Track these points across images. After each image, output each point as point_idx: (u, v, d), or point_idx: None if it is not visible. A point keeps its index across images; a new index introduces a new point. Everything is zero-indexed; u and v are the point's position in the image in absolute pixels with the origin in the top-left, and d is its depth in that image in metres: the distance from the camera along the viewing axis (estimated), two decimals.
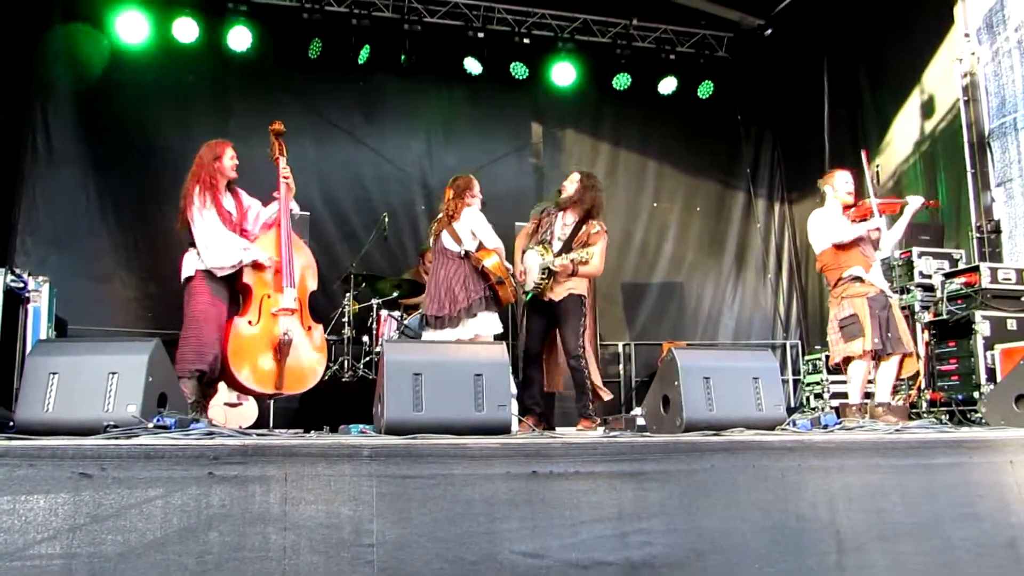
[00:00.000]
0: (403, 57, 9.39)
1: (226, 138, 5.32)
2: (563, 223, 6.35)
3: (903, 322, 5.82)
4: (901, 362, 5.78)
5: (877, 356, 5.73)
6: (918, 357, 6.61)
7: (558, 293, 6.17)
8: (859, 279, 5.75)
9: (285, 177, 5.41)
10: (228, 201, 5.18)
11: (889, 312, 5.71)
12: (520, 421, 5.80)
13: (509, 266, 6.15)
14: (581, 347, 6.13)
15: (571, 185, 6.39)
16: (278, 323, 5.10)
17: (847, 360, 5.83)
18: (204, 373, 4.84)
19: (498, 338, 5.96)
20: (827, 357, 8.30)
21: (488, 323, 5.95)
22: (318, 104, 9.53)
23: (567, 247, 6.18)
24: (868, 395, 6.01)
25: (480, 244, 6.01)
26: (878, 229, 5.88)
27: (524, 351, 6.43)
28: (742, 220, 10.79)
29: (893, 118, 8.80)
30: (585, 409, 6.18)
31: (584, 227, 6.23)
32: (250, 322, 5.04)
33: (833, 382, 8.29)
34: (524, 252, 6.39)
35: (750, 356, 4.40)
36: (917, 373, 6.52)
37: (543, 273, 6.14)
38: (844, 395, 7.65)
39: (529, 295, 6.37)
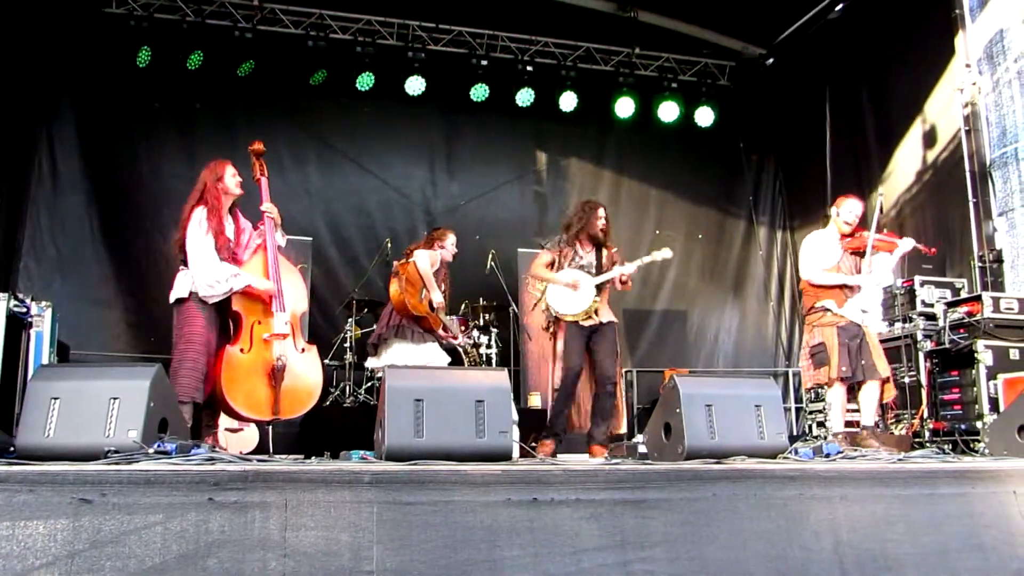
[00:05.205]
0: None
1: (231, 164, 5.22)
2: (584, 251, 6.35)
3: (878, 348, 5.87)
4: (882, 387, 5.83)
5: (852, 384, 5.81)
6: (919, 385, 6.65)
7: (604, 315, 6.17)
8: (829, 310, 5.85)
9: (268, 215, 5.27)
10: (229, 226, 5.10)
11: (861, 341, 5.79)
12: (535, 446, 5.79)
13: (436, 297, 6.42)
14: (618, 374, 6.20)
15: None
16: (271, 349, 5.01)
17: (818, 387, 5.91)
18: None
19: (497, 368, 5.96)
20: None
21: (411, 353, 6.24)
22: (322, 131, 9.60)
23: (599, 269, 6.23)
24: (853, 423, 6.18)
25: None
26: (858, 286, 5.88)
27: (568, 368, 6.12)
28: (744, 248, 10.82)
29: (895, 147, 8.83)
30: (604, 436, 6.11)
31: (605, 251, 6.33)
32: (242, 350, 4.93)
33: None
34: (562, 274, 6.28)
35: (752, 384, 4.40)
36: (920, 403, 6.59)
37: (596, 292, 6.14)
38: (848, 423, 7.64)
39: (573, 318, 6.19)
